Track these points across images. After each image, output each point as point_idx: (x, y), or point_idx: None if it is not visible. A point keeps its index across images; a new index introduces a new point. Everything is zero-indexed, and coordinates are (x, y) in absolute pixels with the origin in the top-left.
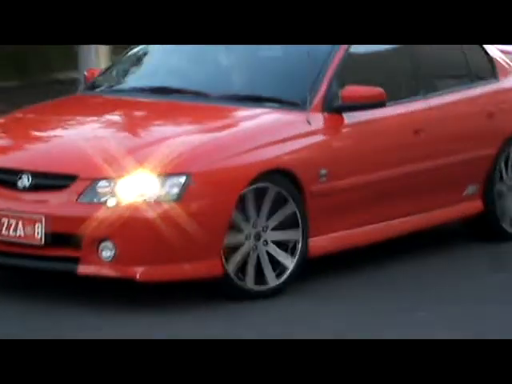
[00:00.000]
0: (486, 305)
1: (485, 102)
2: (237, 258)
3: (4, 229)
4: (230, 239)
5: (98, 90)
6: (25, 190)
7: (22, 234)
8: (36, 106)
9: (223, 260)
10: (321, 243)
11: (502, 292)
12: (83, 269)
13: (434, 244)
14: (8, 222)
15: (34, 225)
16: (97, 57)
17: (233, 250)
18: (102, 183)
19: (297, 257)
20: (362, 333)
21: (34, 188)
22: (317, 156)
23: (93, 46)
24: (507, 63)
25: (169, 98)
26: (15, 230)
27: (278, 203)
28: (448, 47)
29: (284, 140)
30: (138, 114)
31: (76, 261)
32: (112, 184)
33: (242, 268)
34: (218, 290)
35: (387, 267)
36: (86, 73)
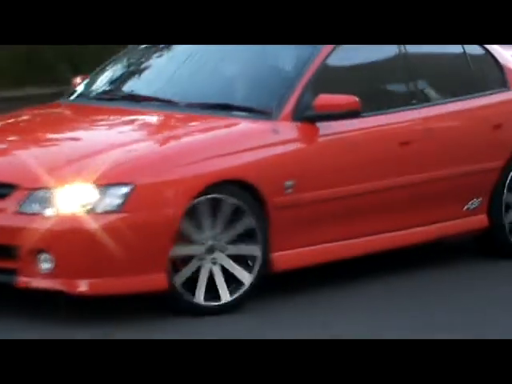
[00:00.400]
0: (485, 313)
1: (491, 113)
2: (187, 271)
3: None
4: (179, 251)
5: (71, 97)
6: None
7: None
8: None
9: (169, 274)
10: (286, 258)
11: (503, 304)
12: (22, 281)
13: (436, 258)
14: None
15: None
16: None
17: (185, 262)
18: (41, 193)
19: (254, 273)
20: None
21: None
22: (282, 167)
23: None
24: None
25: (137, 106)
26: None
27: (236, 216)
28: (450, 56)
29: (244, 150)
30: (95, 122)
31: (15, 272)
32: (51, 194)
33: (194, 282)
34: (167, 305)
35: (368, 283)
36: (75, 80)
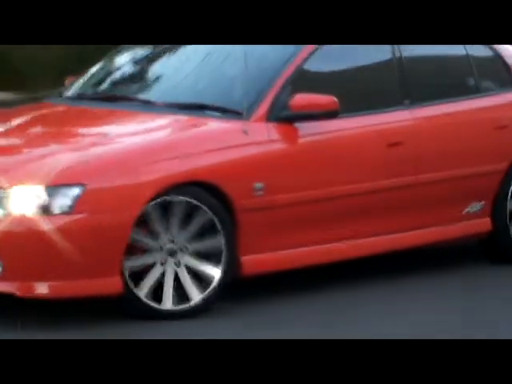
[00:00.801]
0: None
1: (495, 114)
2: (148, 281)
3: None
4: (136, 262)
5: (54, 98)
6: None
7: None
8: None
9: (125, 277)
10: (256, 261)
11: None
12: None
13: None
14: None
15: None
16: None
17: (147, 272)
18: None
19: (223, 267)
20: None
21: None
22: (250, 168)
23: None
24: None
25: (112, 107)
26: None
27: (197, 218)
28: (451, 54)
29: (208, 151)
30: (60, 123)
31: None
32: (1, 195)
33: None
34: (124, 310)
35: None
36: (67, 80)
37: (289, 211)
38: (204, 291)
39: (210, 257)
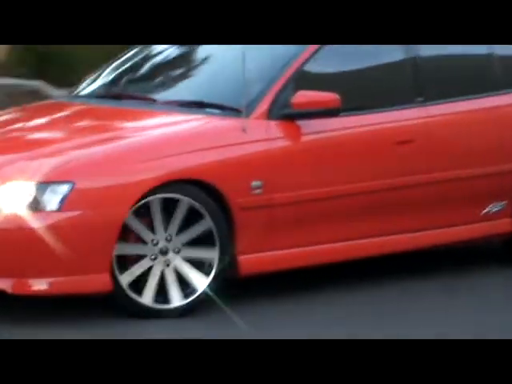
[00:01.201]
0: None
1: None
2: (135, 270)
3: None
4: (126, 250)
5: (64, 96)
6: None
7: None
8: None
9: (115, 275)
10: (254, 261)
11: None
12: None
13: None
14: None
15: None
16: None
17: (136, 262)
18: None
19: (212, 277)
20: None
21: None
22: (248, 166)
23: None
24: None
25: (113, 104)
26: None
27: (193, 217)
28: (469, 52)
29: (205, 148)
30: (56, 120)
31: None
32: None
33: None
34: (113, 305)
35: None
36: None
37: (288, 210)
38: (188, 296)
39: (201, 265)
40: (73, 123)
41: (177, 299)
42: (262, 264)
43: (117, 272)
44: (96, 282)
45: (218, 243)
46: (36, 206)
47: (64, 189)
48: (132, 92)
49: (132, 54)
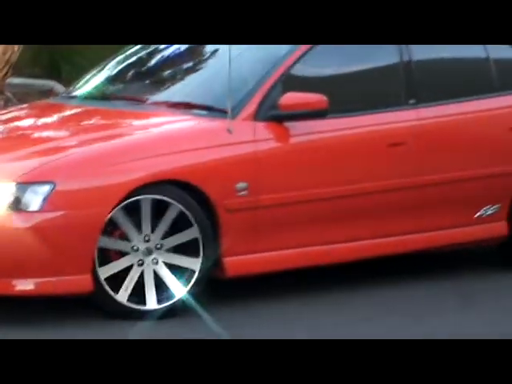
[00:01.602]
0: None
1: (510, 114)
2: (114, 266)
3: None
4: (108, 244)
5: (57, 97)
6: None
7: None
8: None
9: (96, 272)
10: (240, 263)
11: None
12: None
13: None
14: None
15: None
16: None
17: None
18: None
19: (190, 285)
20: None
21: None
22: (233, 168)
23: None
24: None
25: (100, 105)
26: None
27: (182, 221)
28: (467, 54)
29: (188, 150)
30: (44, 121)
31: None
32: None
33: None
34: (92, 302)
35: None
36: None
37: (274, 212)
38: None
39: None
40: (59, 124)
41: (151, 302)
42: (249, 266)
43: (97, 267)
44: (78, 282)
45: (201, 253)
46: (18, 206)
47: (45, 189)
48: (122, 93)
49: (123, 56)
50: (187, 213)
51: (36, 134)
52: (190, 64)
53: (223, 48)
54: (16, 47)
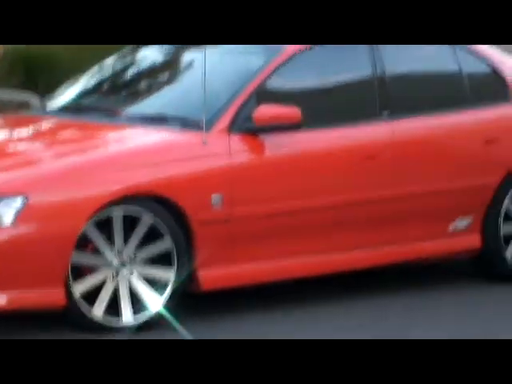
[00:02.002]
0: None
1: (484, 127)
2: (88, 281)
3: None
4: (81, 259)
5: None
6: None
7: None
8: None
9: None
10: (215, 276)
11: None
12: None
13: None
14: None
15: None
16: None
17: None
18: None
19: (165, 297)
20: None
21: None
22: (207, 180)
23: None
24: None
25: (75, 118)
26: None
27: (149, 232)
28: (440, 67)
29: (161, 162)
30: (18, 133)
31: None
32: None
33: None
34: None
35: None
36: None
37: (249, 225)
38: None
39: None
40: (33, 137)
41: (127, 316)
42: (224, 280)
43: (70, 282)
44: (50, 297)
45: (175, 264)
46: None
47: (17, 203)
48: (96, 106)
49: (98, 68)
50: (160, 224)
51: (10, 147)
52: (165, 76)
53: (198, 60)
54: None
